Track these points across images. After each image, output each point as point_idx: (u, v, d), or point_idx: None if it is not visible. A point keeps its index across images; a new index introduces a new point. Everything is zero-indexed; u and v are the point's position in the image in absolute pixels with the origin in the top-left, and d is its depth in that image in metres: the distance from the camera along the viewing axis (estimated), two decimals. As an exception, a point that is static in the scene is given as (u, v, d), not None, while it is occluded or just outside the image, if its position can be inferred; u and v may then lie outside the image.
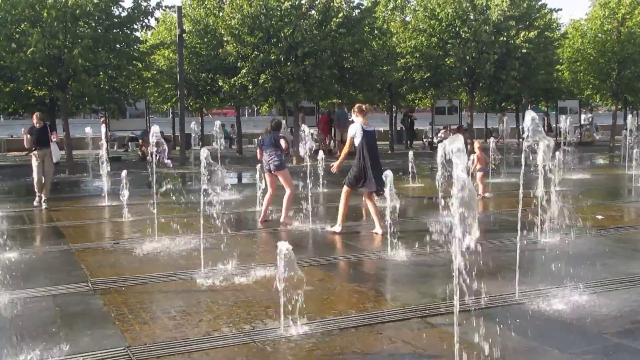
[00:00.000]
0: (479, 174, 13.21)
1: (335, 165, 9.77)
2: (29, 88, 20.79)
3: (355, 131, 9.21)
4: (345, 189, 9.49)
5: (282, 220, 10.31)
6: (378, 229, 9.28)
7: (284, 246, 5.00)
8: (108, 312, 5.93)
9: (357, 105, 9.62)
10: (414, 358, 4.77)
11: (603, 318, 5.49)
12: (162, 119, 43.33)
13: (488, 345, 4.48)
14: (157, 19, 23.33)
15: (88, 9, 19.31)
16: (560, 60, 29.31)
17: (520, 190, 6.34)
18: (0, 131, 31.57)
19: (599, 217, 10.62)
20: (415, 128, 33.30)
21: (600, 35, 28.82)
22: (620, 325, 5.34)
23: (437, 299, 6.09)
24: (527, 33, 25.04)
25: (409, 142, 31.87)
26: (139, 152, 26.11)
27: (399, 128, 33.08)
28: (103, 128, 15.10)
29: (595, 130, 37.69)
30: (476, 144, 13.76)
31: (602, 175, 18.26)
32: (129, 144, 32.13)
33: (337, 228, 9.48)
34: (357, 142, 9.17)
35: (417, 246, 8.31)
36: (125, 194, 11.30)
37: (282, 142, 10.40)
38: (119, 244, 9.10)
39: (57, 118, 21.51)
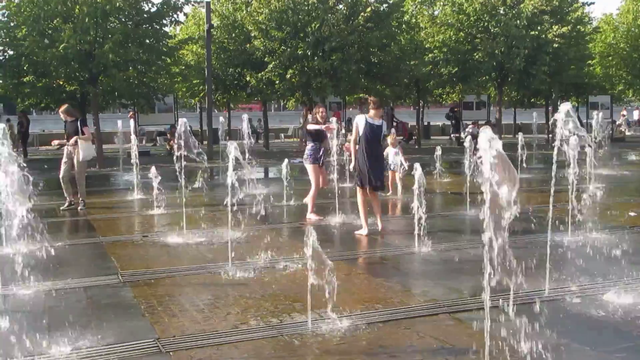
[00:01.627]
0: None
1: (352, 165, 9.39)
2: (61, 83, 21.11)
3: (357, 122, 8.95)
4: (357, 189, 9.26)
5: (308, 216, 10.32)
6: (364, 230, 9.05)
7: (311, 237, 4.98)
8: (138, 304, 5.99)
9: (376, 98, 9.28)
10: (442, 354, 4.74)
11: (636, 316, 5.39)
12: (190, 114, 43.68)
13: (518, 342, 4.44)
14: (185, 14, 23.52)
15: (118, 4, 19.55)
16: (592, 55, 28.82)
17: (552, 185, 6.27)
18: (33, 126, 32.04)
19: (632, 214, 10.44)
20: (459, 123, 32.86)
21: (633, 29, 28.28)
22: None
23: (466, 294, 6.04)
24: (559, 27, 24.67)
25: (455, 137, 31.53)
26: (167, 147, 26.35)
27: (425, 123, 32.87)
28: (132, 122, 15.25)
29: (628, 125, 37.05)
30: None
31: (637, 171, 17.95)
32: (158, 138, 32.47)
33: (364, 231, 9.10)
34: (360, 131, 8.88)
35: (444, 241, 8.26)
36: (154, 187, 11.41)
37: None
38: (148, 236, 9.20)
39: (88, 113, 21.83)
